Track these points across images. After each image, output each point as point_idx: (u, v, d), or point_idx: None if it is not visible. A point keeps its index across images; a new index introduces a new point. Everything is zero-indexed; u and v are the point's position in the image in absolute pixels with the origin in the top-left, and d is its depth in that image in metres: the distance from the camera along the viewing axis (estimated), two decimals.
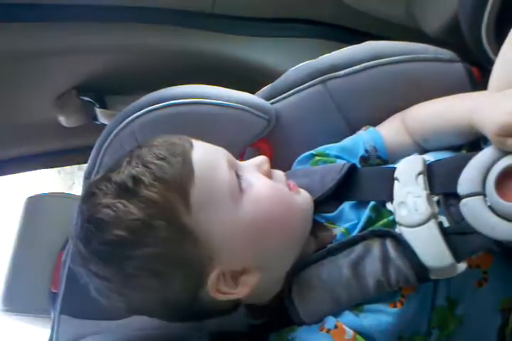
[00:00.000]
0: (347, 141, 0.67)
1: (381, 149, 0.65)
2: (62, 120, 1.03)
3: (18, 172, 1.14)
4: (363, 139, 0.66)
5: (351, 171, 0.58)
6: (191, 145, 0.53)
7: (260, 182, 0.53)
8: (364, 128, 0.68)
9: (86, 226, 0.50)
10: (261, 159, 0.56)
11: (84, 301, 0.67)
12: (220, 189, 0.50)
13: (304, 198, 0.57)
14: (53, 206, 1.12)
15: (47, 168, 1.17)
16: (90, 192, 0.51)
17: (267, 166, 0.55)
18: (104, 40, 0.95)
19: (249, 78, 0.97)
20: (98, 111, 1.01)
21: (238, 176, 0.53)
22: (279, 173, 0.57)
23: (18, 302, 1.08)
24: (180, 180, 0.49)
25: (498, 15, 0.68)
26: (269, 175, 0.55)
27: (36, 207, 1.13)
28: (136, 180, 0.49)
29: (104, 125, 0.76)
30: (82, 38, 0.93)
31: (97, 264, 0.50)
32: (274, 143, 0.72)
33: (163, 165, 0.49)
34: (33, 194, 1.16)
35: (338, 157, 0.65)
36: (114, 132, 0.72)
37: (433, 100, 0.65)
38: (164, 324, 0.64)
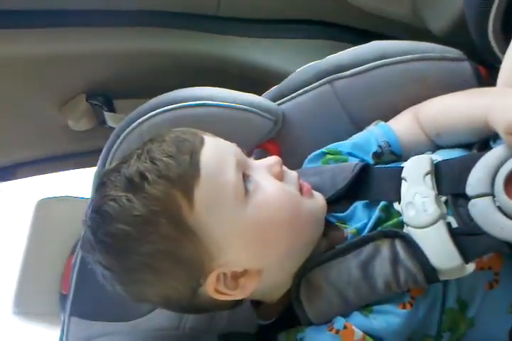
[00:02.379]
0: (358, 138, 0.66)
1: (395, 144, 0.64)
2: (71, 124, 1.04)
3: (29, 176, 1.15)
4: (375, 135, 0.64)
5: (363, 170, 0.58)
6: (202, 142, 0.52)
7: (268, 184, 0.52)
8: (374, 122, 0.67)
9: (94, 217, 0.51)
10: (273, 160, 0.55)
11: (94, 303, 0.68)
12: (224, 190, 0.50)
13: (316, 203, 0.55)
14: (63, 209, 1.12)
15: (58, 171, 1.17)
16: (102, 182, 0.52)
17: (278, 167, 0.54)
18: (111, 45, 0.95)
19: (255, 80, 0.97)
20: (107, 114, 1.02)
21: (247, 177, 0.52)
22: (292, 175, 0.56)
23: (30, 305, 1.09)
24: (185, 179, 0.49)
25: (505, 13, 0.67)
26: (281, 177, 0.54)
27: (47, 210, 1.14)
28: (142, 175, 0.49)
29: (113, 128, 0.76)
30: (89, 42, 0.94)
31: (101, 254, 0.51)
32: (282, 143, 0.72)
33: (170, 162, 0.49)
34: (43, 197, 1.17)
35: (350, 154, 0.63)
36: (123, 135, 0.72)
37: (447, 95, 0.64)
38: (175, 325, 0.64)
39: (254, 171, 0.53)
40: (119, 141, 0.72)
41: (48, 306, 1.05)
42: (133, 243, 0.49)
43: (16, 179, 1.14)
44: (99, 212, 0.50)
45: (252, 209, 0.51)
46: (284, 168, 0.56)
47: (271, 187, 0.52)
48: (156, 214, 0.48)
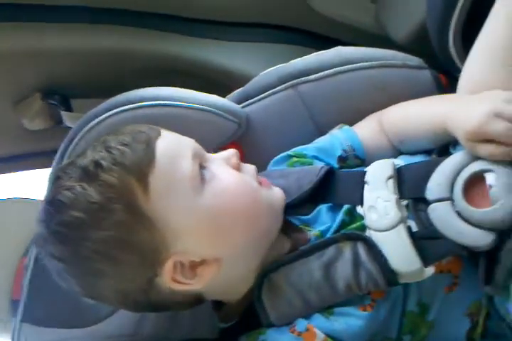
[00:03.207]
0: (323, 141, 0.67)
1: (358, 148, 0.65)
2: (26, 123, 1.01)
3: None
4: (339, 139, 0.66)
5: (328, 174, 0.58)
6: (159, 134, 0.53)
7: (225, 173, 0.53)
8: (338, 126, 0.68)
9: (47, 209, 0.51)
10: (229, 152, 0.56)
11: (48, 308, 0.66)
12: (180, 178, 0.51)
13: (274, 194, 0.56)
14: (16, 211, 1.09)
15: (11, 172, 1.14)
16: (56, 176, 0.52)
17: (235, 159, 0.55)
18: (70, 42, 0.94)
19: (218, 82, 0.98)
20: (63, 114, 1.00)
21: (203, 167, 0.53)
22: (249, 167, 0.57)
23: None
24: (139, 166, 0.50)
25: (465, 23, 0.69)
26: (238, 168, 0.55)
27: None
28: (97, 164, 0.50)
29: (70, 128, 0.75)
30: (47, 39, 0.92)
31: (54, 245, 0.51)
32: (245, 146, 0.72)
33: (125, 150, 0.50)
34: None
35: (315, 157, 0.64)
36: (80, 134, 0.71)
37: (409, 101, 0.65)
38: (132, 332, 0.63)
39: (212, 163, 0.54)
40: (76, 141, 0.71)
41: None
42: (87, 230, 0.49)
43: None
44: (53, 203, 0.50)
45: (208, 197, 0.51)
46: (241, 162, 0.57)
47: (228, 175, 0.53)
48: (110, 201, 0.49)
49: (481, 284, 0.49)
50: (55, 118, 1.02)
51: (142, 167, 0.50)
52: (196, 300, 0.55)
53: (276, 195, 0.56)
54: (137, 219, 0.49)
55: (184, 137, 0.55)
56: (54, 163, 0.73)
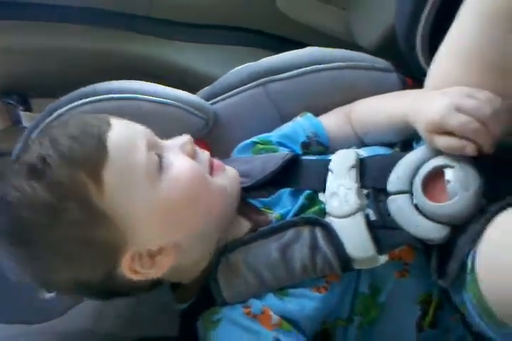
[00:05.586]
0: (286, 128, 0.70)
1: (322, 135, 0.69)
2: None
3: None
4: (302, 125, 0.69)
5: (292, 160, 0.61)
6: (109, 124, 0.53)
7: (180, 161, 0.55)
8: (300, 114, 0.72)
9: None
10: (184, 139, 0.57)
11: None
12: (135, 170, 0.51)
13: (228, 178, 0.58)
14: None
15: None
16: (2, 174, 0.52)
17: (190, 146, 0.57)
18: (29, 41, 0.95)
19: (181, 83, 0.99)
20: (22, 114, 1.00)
21: (160, 157, 0.54)
22: (203, 155, 0.59)
23: None
24: (90, 161, 0.50)
25: (432, 28, 0.74)
26: (193, 155, 0.57)
27: None
28: (43, 160, 0.49)
29: None
30: (4, 37, 0.93)
31: (5, 245, 0.51)
32: (212, 143, 0.74)
33: (73, 145, 0.50)
34: None
35: (280, 144, 0.68)
36: (36, 131, 0.70)
37: (376, 96, 0.70)
38: (88, 329, 0.63)
39: (167, 151, 0.56)
40: (33, 138, 0.70)
41: None
42: (39, 230, 0.49)
43: None
44: (1, 202, 0.50)
45: (164, 187, 0.53)
46: (197, 148, 0.59)
47: (183, 163, 0.55)
48: (62, 199, 0.49)
49: (434, 276, 0.52)
50: (13, 119, 1.02)
51: (93, 161, 0.50)
52: (155, 283, 0.57)
53: (230, 177, 0.59)
54: (92, 216, 0.49)
55: (136, 125, 0.56)
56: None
